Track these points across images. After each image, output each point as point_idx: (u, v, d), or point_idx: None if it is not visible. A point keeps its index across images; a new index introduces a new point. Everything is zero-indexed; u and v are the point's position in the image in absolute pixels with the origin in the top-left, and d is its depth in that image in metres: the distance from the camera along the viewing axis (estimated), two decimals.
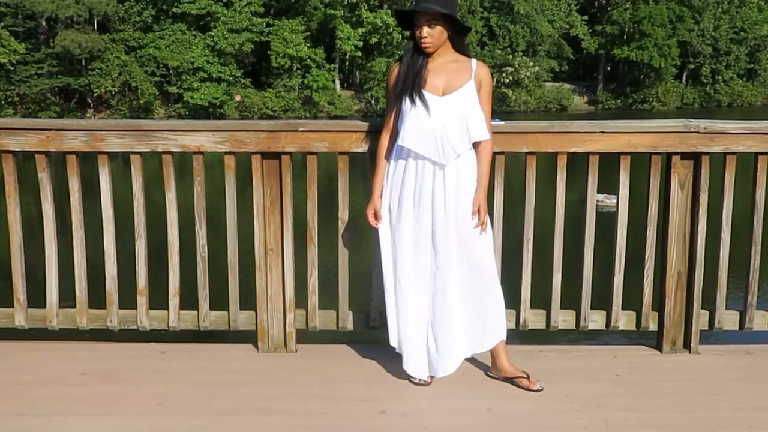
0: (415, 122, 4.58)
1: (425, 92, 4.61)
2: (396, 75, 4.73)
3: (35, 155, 5.12)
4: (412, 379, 4.81)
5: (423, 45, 4.61)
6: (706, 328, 5.30)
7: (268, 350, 5.27)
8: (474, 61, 4.68)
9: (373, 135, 4.93)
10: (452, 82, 4.62)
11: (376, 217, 4.82)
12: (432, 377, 4.80)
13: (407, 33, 4.73)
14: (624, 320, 5.32)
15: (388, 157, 4.79)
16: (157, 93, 58.05)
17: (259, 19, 60.29)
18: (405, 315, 4.78)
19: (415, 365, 4.77)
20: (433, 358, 4.77)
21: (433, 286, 4.73)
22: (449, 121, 4.56)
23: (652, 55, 69.96)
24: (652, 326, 5.30)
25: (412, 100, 4.61)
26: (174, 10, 58.57)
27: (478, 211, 4.64)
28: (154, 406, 4.54)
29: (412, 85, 4.64)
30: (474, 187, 4.66)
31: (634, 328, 5.34)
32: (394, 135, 4.73)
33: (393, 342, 4.88)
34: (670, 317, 5.22)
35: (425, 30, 4.57)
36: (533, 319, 5.29)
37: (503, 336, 4.81)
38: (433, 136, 4.56)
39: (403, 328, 4.79)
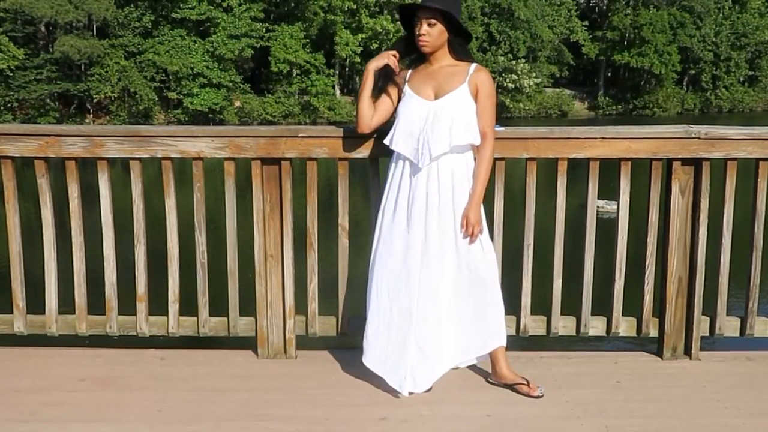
0: (403, 125, 4.62)
1: (416, 97, 4.63)
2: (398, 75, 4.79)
3: (34, 161, 5.12)
4: None
5: (420, 43, 4.64)
6: (707, 334, 5.30)
7: (267, 356, 5.26)
8: (473, 65, 4.66)
9: (374, 141, 4.93)
10: (444, 86, 4.62)
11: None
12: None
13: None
14: (624, 326, 5.31)
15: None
16: (157, 99, 58.13)
17: (259, 25, 60.42)
18: (387, 328, 4.76)
19: (395, 377, 4.73)
20: (421, 365, 4.73)
21: (425, 292, 4.69)
22: (433, 124, 4.56)
23: (653, 62, 70.12)
24: (653, 332, 5.29)
25: (403, 104, 4.65)
26: (173, 15, 58.73)
27: (467, 222, 4.60)
28: (153, 413, 4.53)
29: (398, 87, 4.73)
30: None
31: (634, 334, 5.34)
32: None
33: (365, 356, 4.84)
34: (670, 323, 5.22)
35: (424, 27, 4.60)
36: (533, 325, 5.29)
37: (502, 342, 4.80)
38: (416, 139, 4.58)
39: (384, 339, 4.77)
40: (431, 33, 4.60)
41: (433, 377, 4.73)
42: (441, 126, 4.54)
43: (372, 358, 4.78)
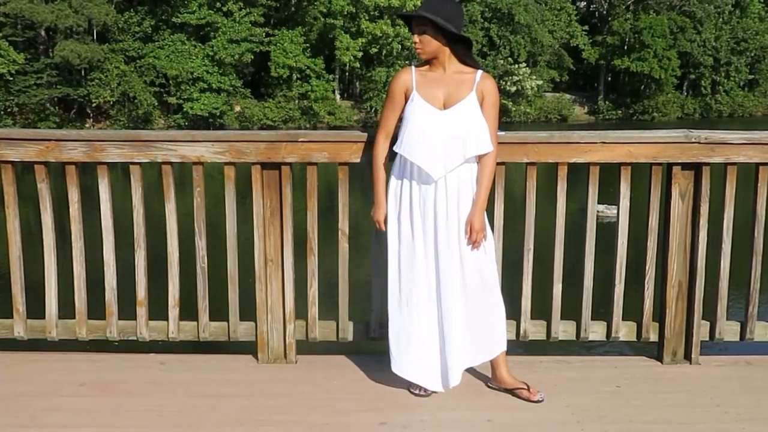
0: (414, 132, 4.60)
1: (427, 104, 4.61)
2: (401, 81, 4.75)
3: (34, 166, 5.12)
4: (411, 390, 4.81)
5: (415, 51, 4.69)
6: (707, 338, 5.29)
7: (267, 361, 5.26)
8: (479, 72, 4.67)
9: (373, 145, 4.93)
10: (454, 95, 4.61)
11: (384, 221, 4.83)
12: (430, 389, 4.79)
13: (407, 43, 4.79)
14: (624, 331, 5.31)
15: (385, 162, 4.81)
16: (157, 103, 58.07)
17: (259, 29, 60.34)
18: (416, 332, 4.77)
19: (430, 378, 4.78)
20: (439, 370, 4.77)
21: (438, 298, 4.72)
22: (446, 136, 4.55)
23: (653, 66, 70.07)
24: (653, 337, 5.29)
25: (414, 111, 4.63)
26: (174, 20, 58.64)
27: (471, 229, 4.62)
28: (153, 417, 4.53)
29: (405, 92, 4.73)
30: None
31: (634, 339, 5.33)
32: (393, 140, 4.76)
33: (396, 365, 4.85)
34: (670, 328, 5.22)
35: (415, 36, 4.64)
36: (533, 329, 5.28)
37: (503, 347, 4.81)
38: (429, 148, 4.56)
39: (415, 345, 4.78)
40: (422, 40, 4.62)
41: (452, 380, 4.76)
42: (456, 137, 4.55)
43: (404, 367, 4.80)
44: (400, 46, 60.64)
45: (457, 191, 4.62)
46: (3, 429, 4.38)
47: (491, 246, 4.76)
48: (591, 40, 74.81)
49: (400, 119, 4.71)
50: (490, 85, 4.65)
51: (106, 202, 5.16)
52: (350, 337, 5.29)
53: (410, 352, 4.78)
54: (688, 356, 5.24)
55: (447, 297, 4.68)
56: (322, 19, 61.19)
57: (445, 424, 4.49)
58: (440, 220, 4.62)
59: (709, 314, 5.25)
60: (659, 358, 5.29)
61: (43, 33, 56.71)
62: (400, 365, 4.81)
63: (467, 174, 4.64)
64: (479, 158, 4.66)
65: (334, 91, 64.07)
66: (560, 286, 5.17)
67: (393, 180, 4.78)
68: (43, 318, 5.27)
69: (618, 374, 5.13)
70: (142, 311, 5.25)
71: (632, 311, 5.29)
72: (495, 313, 4.76)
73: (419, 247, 4.69)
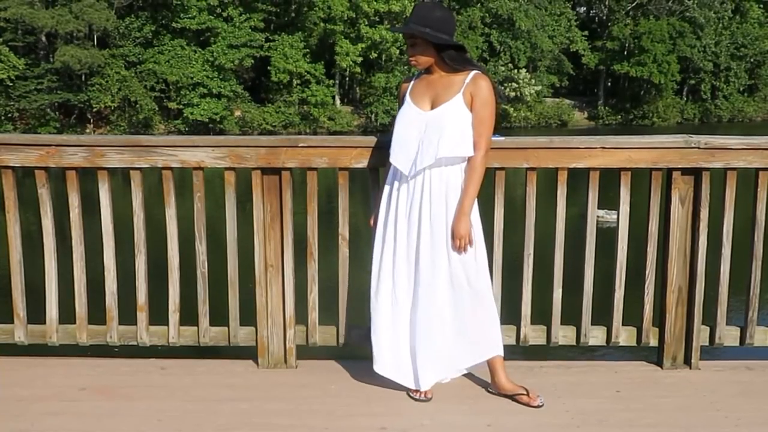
0: (397, 135, 4.67)
1: (414, 107, 4.66)
2: (401, 91, 4.85)
3: (35, 171, 5.12)
4: (411, 395, 4.80)
5: (410, 62, 4.71)
6: (707, 343, 5.29)
7: (268, 366, 5.26)
8: (471, 73, 4.65)
9: (373, 150, 4.94)
10: (441, 97, 4.63)
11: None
12: (429, 394, 4.79)
13: (405, 48, 4.81)
14: (624, 336, 5.31)
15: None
16: (157, 108, 58.12)
17: (259, 35, 60.44)
18: (382, 322, 4.83)
19: (386, 367, 4.84)
20: (412, 369, 4.79)
21: (417, 299, 4.73)
22: (425, 136, 4.58)
23: (652, 71, 70.11)
24: (653, 342, 5.29)
25: (400, 112, 4.73)
26: (174, 25, 58.72)
27: (453, 235, 4.62)
28: (153, 422, 4.53)
29: (402, 99, 4.80)
30: None
31: (634, 344, 5.33)
32: None
33: (376, 364, 4.89)
34: (670, 333, 5.22)
35: (408, 48, 4.68)
36: (533, 334, 5.28)
37: (499, 352, 4.80)
38: (408, 149, 4.61)
39: (382, 335, 4.84)
40: (414, 52, 4.65)
41: (423, 383, 4.77)
42: (431, 138, 4.56)
43: (383, 365, 4.84)
44: (398, 51, 60.75)
45: (444, 195, 4.62)
46: None
47: (482, 251, 4.74)
48: (591, 46, 74.94)
49: None
50: (481, 84, 4.62)
51: (106, 207, 5.16)
52: (350, 342, 5.29)
53: (388, 349, 4.83)
54: (688, 361, 5.24)
55: (424, 299, 4.69)
56: (322, 25, 61.33)
57: (445, 429, 4.48)
58: (424, 224, 4.64)
59: (709, 319, 5.25)
60: (659, 362, 5.29)
61: (43, 38, 56.79)
62: (380, 364, 4.85)
63: (456, 178, 4.64)
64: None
65: (334, 97, 64.18)
66: (560, 291, 5.17)
67: (386, 180, 4.82)
68: (44, 323, 5.27)
69: (618, 379, 5.13)
70: (142, 316, 5.26)
71: (632, 316, 5.29)
72: (486, 319, 4.76)
73: (401, 248, 4.71)
